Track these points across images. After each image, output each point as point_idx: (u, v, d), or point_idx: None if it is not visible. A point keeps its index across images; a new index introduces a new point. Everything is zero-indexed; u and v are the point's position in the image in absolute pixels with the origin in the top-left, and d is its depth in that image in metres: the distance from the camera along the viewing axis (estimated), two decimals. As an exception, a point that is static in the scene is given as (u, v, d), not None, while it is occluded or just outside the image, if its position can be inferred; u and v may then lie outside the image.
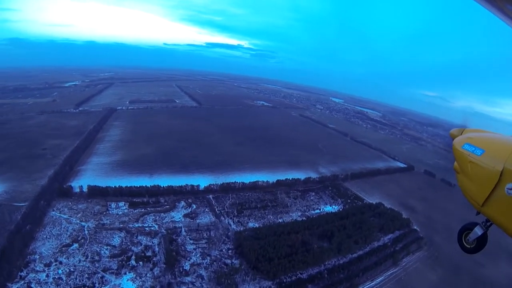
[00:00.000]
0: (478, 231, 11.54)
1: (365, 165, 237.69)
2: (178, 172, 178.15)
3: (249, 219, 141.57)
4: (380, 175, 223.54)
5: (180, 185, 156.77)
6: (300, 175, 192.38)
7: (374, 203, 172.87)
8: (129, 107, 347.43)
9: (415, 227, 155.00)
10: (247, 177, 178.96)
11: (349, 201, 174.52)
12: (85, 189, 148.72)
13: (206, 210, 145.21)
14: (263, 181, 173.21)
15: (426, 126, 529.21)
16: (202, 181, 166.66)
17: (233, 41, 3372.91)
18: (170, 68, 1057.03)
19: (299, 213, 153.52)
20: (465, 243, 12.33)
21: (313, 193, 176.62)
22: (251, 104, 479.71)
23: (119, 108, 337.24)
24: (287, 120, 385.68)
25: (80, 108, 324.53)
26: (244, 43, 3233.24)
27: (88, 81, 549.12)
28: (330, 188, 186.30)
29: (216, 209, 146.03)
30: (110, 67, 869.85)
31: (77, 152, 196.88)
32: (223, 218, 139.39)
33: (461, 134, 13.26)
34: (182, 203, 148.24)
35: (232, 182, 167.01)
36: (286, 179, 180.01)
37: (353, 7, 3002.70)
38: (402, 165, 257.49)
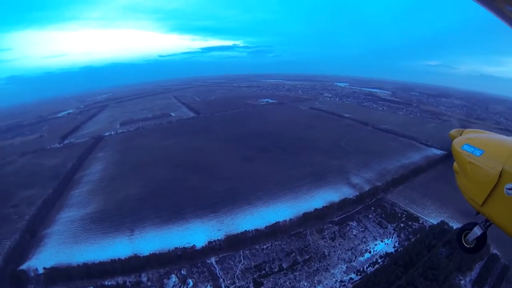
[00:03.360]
0: (477, 231, 10.92)
1: (400, 161, 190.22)
2: (168, 221, 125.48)
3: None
4: (422, 172, 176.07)
5: (169, 249, 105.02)
6: (331, 194, 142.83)
7: (435, 223, 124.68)
8: (119, 131, 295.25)
9: (494, 251, 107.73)
10: (262, 214, 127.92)
11: (402, 225, 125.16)
12: (41, 271, 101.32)
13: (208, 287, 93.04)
14: (286, 220, 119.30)
15: (439, 97, 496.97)
16: (200, 232, 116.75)
17: (228, 42, 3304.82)
18: (167, 79, 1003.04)
19: (344, 267, 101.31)
20: (464, 243, 11.55)
21: (354, 223, 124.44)
22: (254, 104, 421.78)
23: (108, 134, 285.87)
24: (297, 116, 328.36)
25: (66, 141, 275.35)
26: (239, 42, 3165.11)
27: (82, 107, 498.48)
28: (372, 208, 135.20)
29: (223, 284, 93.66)
30: (107, 89, 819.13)
31: (47, 205, 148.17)
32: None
33: (460, 134, 12.54)
34: (173, 278, 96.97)
35: (242, 232, 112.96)
36: (316, 209, 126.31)
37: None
38: (438, 152, 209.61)
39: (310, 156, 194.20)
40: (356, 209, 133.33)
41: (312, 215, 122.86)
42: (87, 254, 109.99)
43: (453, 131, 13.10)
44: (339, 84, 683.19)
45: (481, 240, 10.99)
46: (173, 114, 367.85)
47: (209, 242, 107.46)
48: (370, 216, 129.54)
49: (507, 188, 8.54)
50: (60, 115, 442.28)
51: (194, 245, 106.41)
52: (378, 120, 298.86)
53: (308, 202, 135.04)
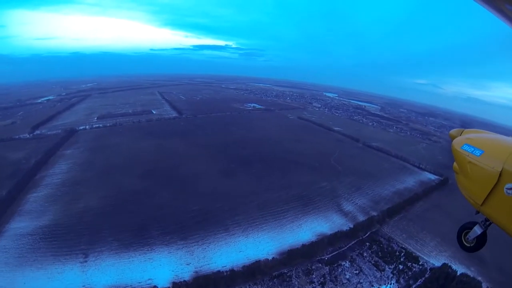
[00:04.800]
0: (477, 230, 10.95)
1: (395, 186, 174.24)
2: (129, 247, 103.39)
3: None
4: (419, 200, 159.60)
5: (126, 287, 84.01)
6: (321, 224, 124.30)
7: (436, 265, 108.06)
8: (95, 125, 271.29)
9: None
10: (239, 245, 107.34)
11: (400, 266, 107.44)
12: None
13: None
14: (267, 258, 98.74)
15: (427, 116, 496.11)
16: (165, 265, 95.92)
17: (221, 42, 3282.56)
18: (157, 74, 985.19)
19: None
20: (464, 242, 11.65)
21: (347, 263, 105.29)
22: (240, 108, 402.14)
23: (82, 127, 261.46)
24: (285, 126, 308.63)
25: (37, 132, 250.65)
26: (232, 43, 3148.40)
27: (64, 95, 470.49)
28: (367, 244, 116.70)
29: None
30: (94, 77, 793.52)
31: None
32: None
33: (460, 134, 12.50)
34: (125, 330, 75.84)
35: (215, 272, 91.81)
36: (303, 245, 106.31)
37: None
38: (432, 176, 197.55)
39: (297, 174, 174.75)
40: (349, 245, 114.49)
41: (298, 251, 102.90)
42: (30, 282, 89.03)
43: (453, 131, 13.01)
44: (328, 94, 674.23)
45: (481, 239, 10.92)
46: (154, 112, 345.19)
47: (174, 283, 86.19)
48: (365, 254, 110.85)
49: (507, 188, 8.50)
50: (39, 101, 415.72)
51: (155, 286, 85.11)
52: (369, 137, 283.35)
53: (294, 234, 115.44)
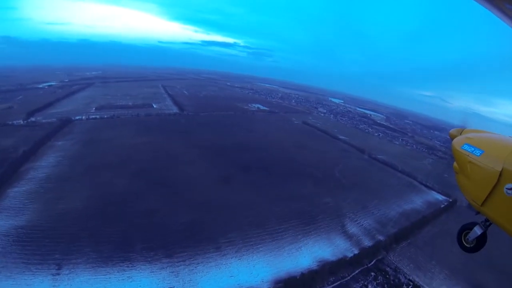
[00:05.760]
0: (477, 230, 11.16)
1: (402, 206, 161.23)
2: (107, 261, 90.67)
3: None
4: (427, 224, 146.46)
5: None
6: (322, 248, 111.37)
7: None
8: (92, 116, 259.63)
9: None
10: (231, 269, 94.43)
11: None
12: None
13: None
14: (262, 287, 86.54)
15: (432, 130, 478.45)
16: (145, 286, 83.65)
17: (230, 40, 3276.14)
18: (163, 67, 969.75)
19: None
20: (464, 243, 11.99)
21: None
22: (244, 108, 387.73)
23: (78, 117, 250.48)
24: (289, 131, 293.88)
25: (32, 119, 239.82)
26: (241, 41, 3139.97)
27: (66, 81, 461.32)
28: (372, 274, 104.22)
29: None
30: (101, 65, 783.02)
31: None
32: None
33: (460, 134, 12.86)
34: None
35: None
36: (302, 274, 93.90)
37: (350, 6, 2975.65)
38: (439, 197, 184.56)
39: (299, 185, 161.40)
40: (353, 274, 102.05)
41: (297, 281, 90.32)
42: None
43: (453, 130, 13.55)
44: (334, 99, 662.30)
45: (481, 240, 11.16)
46: (154, 106, 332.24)
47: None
48: (369, 286, 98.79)
49: (507, 188, 8.49)
50: (40, 86, 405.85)
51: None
52: (375, 148, 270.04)
53: (293, 258, 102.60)
